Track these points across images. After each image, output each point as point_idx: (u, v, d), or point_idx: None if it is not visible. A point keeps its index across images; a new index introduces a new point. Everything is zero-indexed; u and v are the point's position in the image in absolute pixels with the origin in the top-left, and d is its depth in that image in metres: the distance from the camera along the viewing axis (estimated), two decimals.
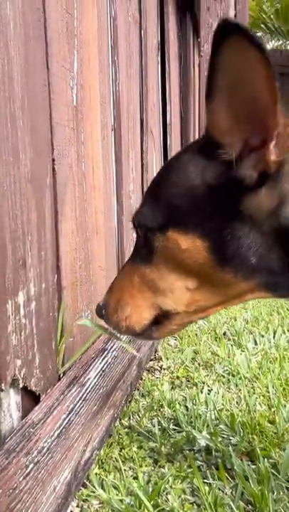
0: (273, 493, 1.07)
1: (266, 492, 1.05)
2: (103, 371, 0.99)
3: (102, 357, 1.04)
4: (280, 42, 8.99)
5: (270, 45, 9.64)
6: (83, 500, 1.05)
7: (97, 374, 0.97)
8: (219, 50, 0.52)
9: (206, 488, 1.07)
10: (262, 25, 6.80)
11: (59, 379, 0.95)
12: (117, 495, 1.06)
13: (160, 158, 1.90)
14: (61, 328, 0.94)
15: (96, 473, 1.11)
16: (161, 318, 0.75)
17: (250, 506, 1.04)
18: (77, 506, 1.03)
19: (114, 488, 1.08)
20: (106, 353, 1.06)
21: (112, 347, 1.10)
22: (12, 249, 0.75)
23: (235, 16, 2.42)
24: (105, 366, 1.01)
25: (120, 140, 1.36)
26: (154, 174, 1.87)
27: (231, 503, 1.04)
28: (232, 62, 0.52)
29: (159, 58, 1.92)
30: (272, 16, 6.49)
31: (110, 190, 1.29)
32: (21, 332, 0.79)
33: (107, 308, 0.77)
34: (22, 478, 0.67)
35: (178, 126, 2.25)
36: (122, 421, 1.30)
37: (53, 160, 0.91)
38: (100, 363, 1.01)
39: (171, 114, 2.09)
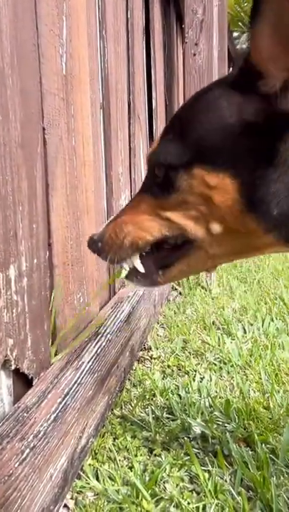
0: (273, 478, 1.04)
1: (267, 477, 1.02)
2: (97, 355, 0.94)
3: (96, 340, 0.99)
4: None
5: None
6: (77, 492, 0.99)
7: (91, 358, 0.92)
8: None
9: (206, 475, 1.03)
10: (240, 24, 6.85)
11: (50, 363, 0.89)
12: (112, 485, 1.01)
13: (146, 144, 1.86)
14: (54, 308, 0.89)
15: (90, 464, 1.06)
16: (173, 258, 0.68)
17: (250, 492, 1.01)
18: (72, 498, 0.97)
19: (110, 478, 1.03)
20: (100, 336, 1.01)
21: (105, 330, 1.05)
22: (2, 218, 0.69)
23: (219, 3, 2.40)
24: (99, 350, 0.96)
25: (109, 119, 1.31)
26: (142, 159, 1.82)
27: (232, 489, 1.01)
28: None
29: (145, 45, 1.87)
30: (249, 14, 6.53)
31: (100, 169, 1.24)
32: (13, 309, 0.73)
33: (103, 238, 0.69)
34: (18, 464, 0.61)
35: (163, 114, 2.21)
36: (114, 411, 1.24)
37: (44, 129, 0.85)
38: (94, 347, 0.96)
39: (156, 100, 2.05)
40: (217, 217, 0.61)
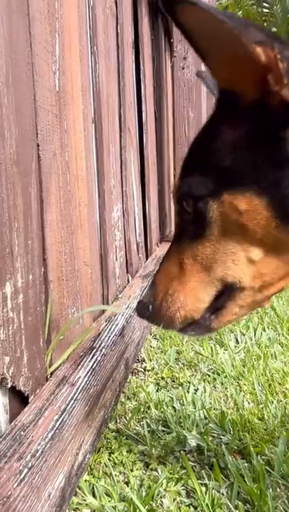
0: (268, 490, 1.04)
1: (264, 489, 1.02)
2: (93, 369, 0.94)
3: (91, 355, 0.98)
4: None
5: None
6: (74, 510, 0.98)
7: (87, 373, 0.92)
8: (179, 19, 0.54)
9: (203, 488, 1.03)
10: None
11: (47, 379, 0.89)
12: (109, 501, 1.00)
13: (137, 156, 1.87)
14: (49, 324, 0.88)
15: (86, 480, 1.05)
16: (221, 302, 0.66)
17: (248, 505, 1.01)
18: None
19: (106, 494, 1.02)
20: (94, 351, 1.01)
21: (100, 345, 1.04)
22: None
23: None
24: (95, 364, 0.95)
25: (101, 133, 1.32)
26: (133, 172, 1.84)
27: (229, 503, 1.00)
28: (193, 26, 0.54)
29: (134, 58, 1.90)
30: None
31: (92, 183, 1.25)
32: (9, 326, 0.72)
33: (153, 304, 0.67)
34: (16, 484, 0.61)
35: (152, 126, 2.23)
36: (109, 425, 1.24)
37: (38, 145, 0.86)
38: (90, 362, 0.95)
39: (146, 113, 2.07)
40: (255, 241, 0.60)
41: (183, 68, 2.22)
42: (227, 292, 0.65)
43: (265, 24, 7.03)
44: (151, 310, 0.67)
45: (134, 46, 1.92)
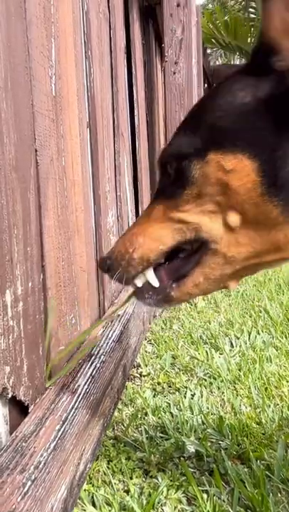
0: (269, 495, 1.03)
1: (265, 495, 1.01)
2: (92, 377, 0.92)
3: (90, 362, 0.97)
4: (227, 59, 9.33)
5: (220, 61, 9.99)
6: None
7: (86, 380, 0.90)
8: None
9: (204, 495, 1.02)
10: (213, 40, 7.02)
11: (46, 388, 0.87)
12: (110, 511, 0.98)
13: (130, 161, 1.87)
14: (49, 332, 0.87)
15: (85, 490, 1.03)
16: (187, 268, 0.62)
17: (249, 511, 1.00)
18: None
19: (107, 504, 1.01)
20: (93, 358, 0.99)
21: (98, 351, 1.03)
22: None
23: (196, 23, 2.46)
24: (94, 371, 0.94)
25: (96, 138, 1.31)
26: (126, 177, 1.83)
27: (230, 510, 1.00)
28: None
29: (126, 62, 1.90)
30: (222, 32, 6.71)
31: (88, 188, 1.24)
32: (9, 335, 0.71)
33: (115, 251, 0.64)
34: (20, 498, 0.59)
35: (145, 131, 2.23)
36: (107, 432, 1.22)
37: (36, 150, 0.85)
38: (89, 369, 0.94)
39: (138, 118, 2.07)
40: (235, 205, 0.58)
41: (174, 73, 2.22)
42: (196, 256, 0.62)
43: (252, 30, 7.11)
44: (109, 261, 0.65)
45: (126, 51, 1.92)
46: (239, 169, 0.56)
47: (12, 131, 0.72)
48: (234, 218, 0.58)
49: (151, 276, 0.64)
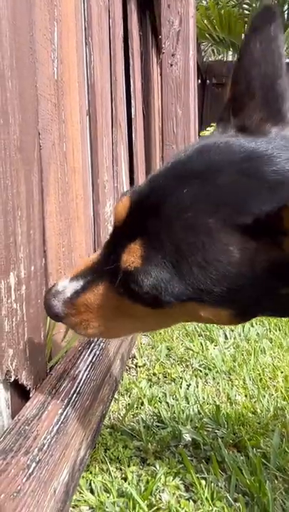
0: (266, 482, 1.04)
1: (263, 481, 1.02)
2: (92, 363, 0.92)
3: (90, 349, 0.97)
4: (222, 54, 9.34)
5: (213, 57, 9.99)
6: (72, 507, 0.96)
7: (87, 367, 0.90)
8: None
9: (204, 482, 1.03)
10: (207, 36, 7.01)
11: (46, 374, 0.86)
12: (108, 498, 0.98)
13: (127, 152, 1.86)
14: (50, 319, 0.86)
15: (83, 477, 1.03)
16: None
17: (247, 497, 1.01)
18: None
19: (105, 491, 1.01)
20: (93, 345, 0.99)
21: (98, 339, 1.03)
22: (4, 224, 0.67)
23: (194, 15, 2.45)
24: (94, 358, 0.94)
25: (96, 126, 1.31)
26: (123, 168, 1.81)
27: (228, 496, 1.00)
28: None
29: (123, 53, 1.88)
30: (216, 27, 6.70)
31: (87, 176, 1.23)
32: (13, 318, 0.70)
33: (68, 315, 0.65)
34: (25, 479, 0.59)
35: (141, 123, 2.22)
36: (104, 421, 1.22)
37: (39, 134, 0.84)
38: (89, 355, 0.94)
39: (135, 109, 2.06)
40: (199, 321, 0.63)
41: (171, 65, 2.21)
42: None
43: (245, 26, 7.11)
44: (65, 318, 0.66)
45: (124, 42, 1.91)
46: (214, 315, 0.58)
47: (17, 112, 0.71)
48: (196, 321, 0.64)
49: None
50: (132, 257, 0.55)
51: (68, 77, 1.04)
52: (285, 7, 6.71)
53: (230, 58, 9.18)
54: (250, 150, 0.54)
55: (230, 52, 8.41)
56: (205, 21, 6.81)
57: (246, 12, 7.22)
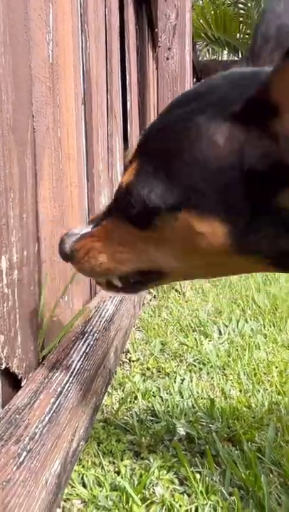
0: (261, 476, 1.03)
1: (259, 475, 1.01)
2: (86, 354, 0.90)
3: (83, 339, 0.95)
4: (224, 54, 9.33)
5: (208, 57, 10.00)
6: (64, 500, 0.94)
7: (80, 357, 0.88)
8: None
9: (198, 476, 1.01)
10: (202, 35, 7.00)
11: (39, 363, 0.84)
12: (100, 491, 0.96)
13: (122, 145, 1.84)
14: (42, 305, 0.84)
15: (75, 470, 1.01)
16: (145, 279, 0.66)
17: (242, 491, 1.00)
18: (59, 507, 0.92)
19: (98, 484, 0.99)
20: (86, 335, 0.97)
21: (92, 329, 1.01)
22: None
23: (190, 9, 2.43)
24: (88, 349, 0.92)
25: (91, 115, 1.28)
26: (118, 160, 1.79)
27: (223, 490, 0.99)
28: None
29: (119, 45, 1.86)
30: (212, 26, 6.70)
31: (82, 164, 1.21)
32: (4, 303, 0.68)
33: (76, 252, 0.65)
34: (15, 468, 0.56)
35: (136, 117, 2.20)
36: (97, 414, 1.20)
37: (33, 116, 0.81)
38: (82, 346, 0.92)
39: (131, 102, 2.04)
40: (197, 255, 0.58)
41: (167, 59, 2.19)
42: (150, 274, 0.64)
43: (240, 25, 7.12)
44: (73, 257, 0.66)
45: (120, 34, 1.89)
46: (208, 232, 0.54)
47: (10, 89, 0.69)
48: (195, 262, 0.59)
49: (115, 280, 0.68)
50: (128, 175, 0.57)
51: (64, 60, 1.01)
52: None
53: (225, 58, 9.18)
54: (248, 72, 0.58)
55: (225, 52, 8.41)
56: (201, 20, 6.81)
57: (241, 11, 7.22)
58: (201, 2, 7.23)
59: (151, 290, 2.39)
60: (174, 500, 0.96)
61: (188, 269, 0.62)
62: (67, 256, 0.66)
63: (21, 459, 0.58)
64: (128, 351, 1.64)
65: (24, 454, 0.59)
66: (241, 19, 6.98)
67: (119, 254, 0.63)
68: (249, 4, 6.72)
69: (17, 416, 0.66)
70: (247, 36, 7.02)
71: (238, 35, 6.94)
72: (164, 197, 0.53)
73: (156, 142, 0.56)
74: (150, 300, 2.29)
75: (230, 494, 0.97)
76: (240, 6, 7.30)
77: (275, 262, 0.57)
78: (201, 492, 0.97)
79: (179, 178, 0.53)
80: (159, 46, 2.24)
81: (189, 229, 0.54)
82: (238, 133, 0.50)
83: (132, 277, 0.67)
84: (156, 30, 2.32)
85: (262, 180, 0.50)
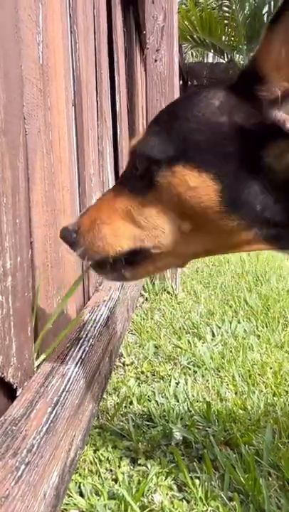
0: (261, 479, 1.02)
1: (258, 479, 1.00)
2: (82, 360, 0.88)
3: (79, 346, 0.93)
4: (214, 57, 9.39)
5: (193, 59, 10.04)
6: (62, 511, 0.92)
7: (76, 364, 0.86)
8: None
9: (197, 481, 0.99)
10: (188, 37, 7.03)
11: (33, 372, 0.82)
12: (98, 500, 0.94)
13: (111, 148, 1.82)
14: (36, 312, 0.82)
15: (72, 479, 0.99)
16: (138, 259, 0.68)
17: (241, 496, 0.99)
18: None
19: (95, 493, 0.97)
20: (82, 341, 0.95)
21: (86, 335, 0.99)
22: None
23: (177, 10, 2.44)
24: (83, 355, 0.90)
25: (81, 118, 1.26)
26: (108, 163, 1.78)
27: (222, 495, 0.98)
28: None
29: (107, 49, 1.85)
30: (198, 29, 6.73)
31: (73, 168, 1.19)
32: None
33: (80, 227, 0.69)
34: (14, 482, 0.54)
35: (126, 119, 2.19)
36: (93, 421, 1.18)
37: (24, 118, 0.79)
38: (78, 352, 0.90)
39: (120, 105, 2.03)
40: (191, 217, 0.61)
41: (156, 61, 2.19)
42: (143, 253, 0.67)
43: (226, 28, 7.16)
44: (75, 236, 0.69)
45: (108, 36, 1.87)
46: (201, 188, 0.58)
47: (1, 91, 0.67)
48: (188, 226, 0.62)
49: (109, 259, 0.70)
50: (135, 139, 0.66)
51: (54, 62, 1.00)
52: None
53: (210, 60, 9.22)
54: None
55: (210, 54, 8.45)
56: (186, 23, 6.84)
57: (226, 14, 7.27)
58: (184, 6, 7.24)
59: (143, 293, 2.38)
60: (173, 507, 0.94)
61: (178, 244, 0.64)
62: (70, 233, 0.69)
63: (19, 473, 0.56)
64: (122, 355, 1.62)
65: (22, 467, 0.57)
66: (226, 22, 7.03)
67: (121, 230, 0.66)
68: (234, 7, 6.77)
69: (13, 427, 0.64)
70: (232, 38, 7.07)
71: (223, 37, 6.98)
72: (165, 150, 0.60)
73: (163, 112, 0.65)
74: (142, 303, 2.28)
75: (230, 499, 0.96)
76: (225, 8, 7.35)
77: (261, 232, 0.61)
78: (200, 498, 0.96)
79: (178, 133, 0.60)
80: (148, 48, 2.23)
81: (184, 183, 0.59)
82: (230, 98, 0.59)
83: (124, 256, 0.68)
84: (143, 32, 2.31)
85: (249, 137, 0.57)
